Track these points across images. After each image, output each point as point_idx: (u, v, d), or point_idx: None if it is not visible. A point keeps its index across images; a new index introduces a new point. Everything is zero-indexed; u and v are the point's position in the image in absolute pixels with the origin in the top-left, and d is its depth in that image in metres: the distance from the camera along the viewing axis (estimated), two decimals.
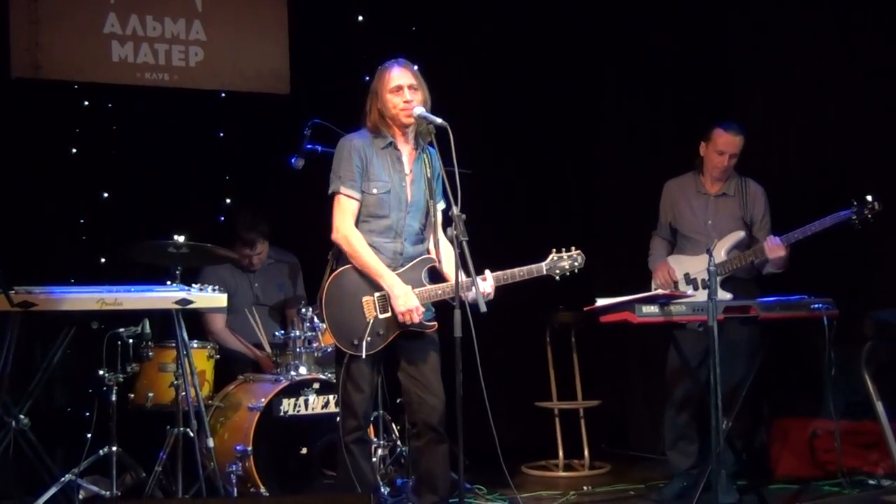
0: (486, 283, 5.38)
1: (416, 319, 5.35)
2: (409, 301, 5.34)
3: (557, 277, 5.51)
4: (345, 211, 5.44)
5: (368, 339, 5.34)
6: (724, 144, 6.61)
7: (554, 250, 5.51)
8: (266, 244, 7.29)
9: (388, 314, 5.39)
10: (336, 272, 5.44)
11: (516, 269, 5.45)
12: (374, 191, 5.44)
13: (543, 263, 5.49)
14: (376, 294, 5.40)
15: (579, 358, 8.10)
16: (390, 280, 5.37)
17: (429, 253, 5.58)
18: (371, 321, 5.37)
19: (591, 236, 8.45)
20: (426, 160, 5.50)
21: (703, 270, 6.34)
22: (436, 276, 5.54)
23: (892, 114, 7.01)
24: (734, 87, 7.92)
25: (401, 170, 5.50)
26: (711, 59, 8.03)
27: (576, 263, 5.52)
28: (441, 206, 5.58)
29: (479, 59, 8.44)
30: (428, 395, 5.41)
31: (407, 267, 5.48)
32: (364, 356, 5.32)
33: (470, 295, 5.15)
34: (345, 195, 5.44)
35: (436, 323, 5.47)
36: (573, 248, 5.53)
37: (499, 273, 5.44)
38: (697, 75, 8.03)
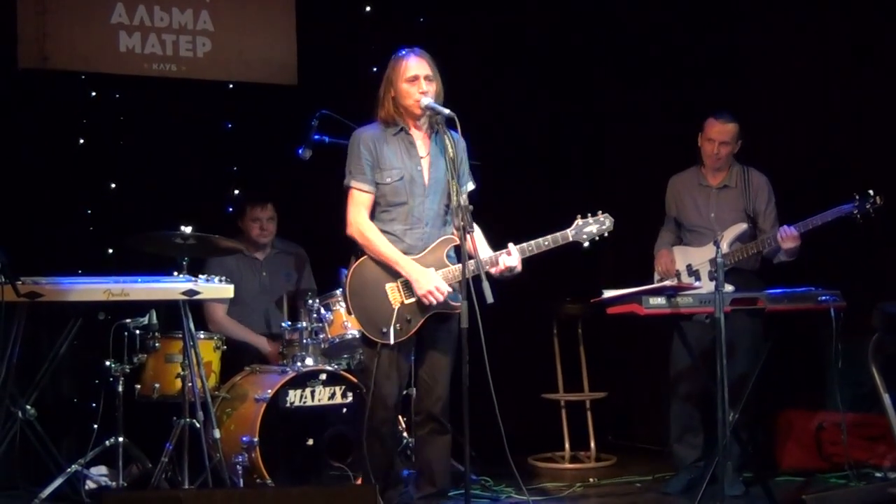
0: (512, 258, 5.34)
1: (441, 298, 5.33)
2: (429, 281, 5.32)
3: (586, 244, 5.44)
4: (357, 204, 5.45)
5: (397, 325, 5.34)
6: (714, 133, 6.62)
7: (579, 216, 5.44)
8: (275, 216, 7.28)
9: (414, 299, 5.38)
10: (357, 263, 5.45)
11: (541, 239, 5.39)
12: (388, 179, 5.43)
13: (569, 230, 5.43)
14: (400, 280, 5.39)
15: (586, 350, 8.10)
16: (407, 266, 5.37)
17: (454, 234, 5.50)
18: (397, 308, 5.36)
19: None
20: (448, 141, 5.35)
21: (706, 262, 6.35)
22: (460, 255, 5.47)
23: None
24: (741, 77, 7.90)
25: (415, 154, 5.49)
26: (719, 49, 8.00)
27: (604, 227, 5.45)
28: (471, 186, 5.56)
29: (486, 49, 8.43)
30: (435, 385, 5.42)
31: (427, 251, 5.46)
32: (393, 343, 5.31)
33: (502, 259, 5.22)
34: (356, 189, 5.45)
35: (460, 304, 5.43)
36: (599, 211, 5.46)
37: (523, 245, 5.39)
38: (705, 66, 8.01)
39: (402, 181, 5.44)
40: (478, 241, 5.18)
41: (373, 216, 5.47)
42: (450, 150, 5.35)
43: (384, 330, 5.32)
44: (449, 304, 5.39)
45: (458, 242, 5.39)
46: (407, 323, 5.36)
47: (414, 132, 5.51)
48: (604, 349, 8.36)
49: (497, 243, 5.50)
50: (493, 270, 5.30)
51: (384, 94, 5.49)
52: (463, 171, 5.50)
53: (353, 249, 5.52)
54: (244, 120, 7.87)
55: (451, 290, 5.37)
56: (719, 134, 6.62)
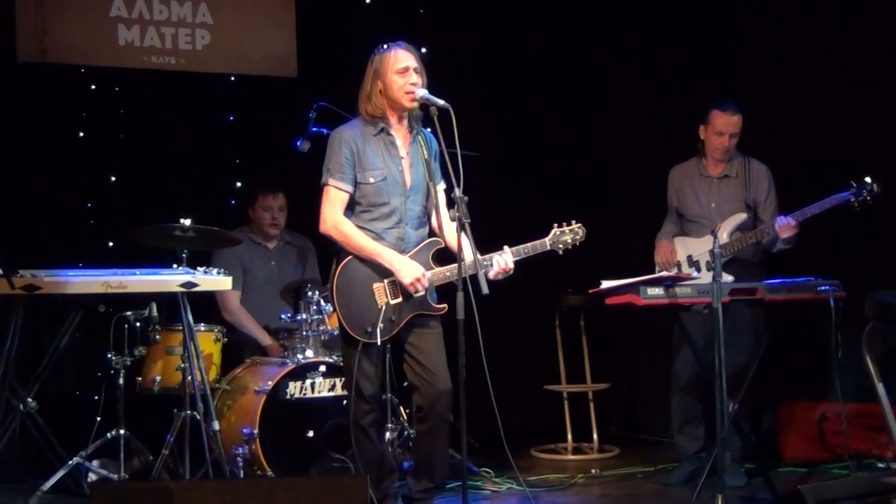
0: (505, 259, 5.38)
1: (425, 285, 5.36)
2: (413, 270, 5.36)
3: (561, 252, 5.53)
4: (332, 202, 5.45)
5: (382, 325, 5.35)
6: (722, 125, 6.59)
7: (555, 225, 5.52)
8: (286, 205, 7.28)
9: (400, 299, 5.41)
10: (342, 263, 5.45)
11: (520, 246, 5.46)
12: (371, 179, 5.43)
13: (547, 239, 5.50)
14: (386, 280, 5.41)
15: (588, 341, 8.11)
16: (389, 256, 5.39)
17: (432, 235, 5.58)
18: (383, 307, 5.38)
19: (600, 219, 8.44)
20: (422, 142, 5.49)
21: (706, 252, 6.33)
22: (443, 259, 5.53)
23: (894, 95, 6.98)
24: (738, 67, 7.90)
25: (396, 154, 5.49)
26: (716, 39, 8.00)
27: (577, 237, 5.54)
28: (441, 186, 5.58)
29: (485, 40, 8.42)
30: (435, 380, 5.41)
31: (412, 252, 5.49)
32: (379, 342, 5.35)
33: (496, 256, 5.28)
34: (333, 187, 5.44)
35: (445, 305, 5.47)
36: (573, 221, 5.54)
37: (505, 248, 5.44)
38: (702, 56, 8.01)
39: (385, 181, 5.45)
40: (465, 240, 5.18)
41: (353, 215, 5.48)
42: (424, 152, 5.46)
43: (369, 329, 5.34)
44: (430, 304, 5.46)
45: (442, 246, 5.51)
46: (391, 322, 5.40)
47: (395, 131, 5.51)
48: (606, 340, 8.38)
49: (497, 236, 5.50)
50: (490, 274, 5.32)
51: (370, 88, 5.46)
52: (435, 170, 5.53)
53: (333, 249, 5.52)
54: (244, 112, 7.87)
55: (430, 278, 5.40)
56: (727, 126, 6.59)
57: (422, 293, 5.39)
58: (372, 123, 5.49)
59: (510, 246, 5.43)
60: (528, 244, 5.48)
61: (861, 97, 7.16)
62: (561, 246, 5.52)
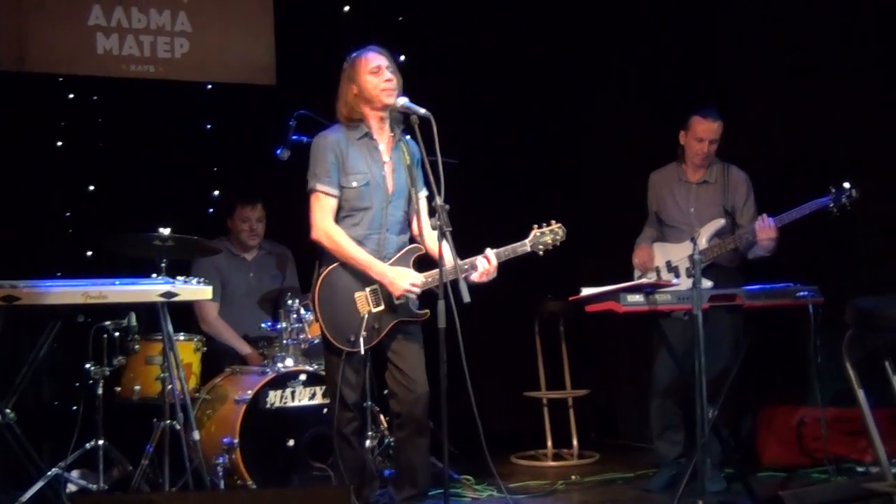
0: (488, 263, 5.40)
1: (418, 291, 5.40)
2: (404, 279, 5.39)
3: (541, 253, 5.54)
4: (323, 208, 5.45)
5: (365, 333, 5.36)
6: (703, 131, 6.62)
7: (535, 226, 5.54)
8: (264, 216, 7.27)
9: (382, 307, 5.42)
10: (324, 272, 5.45)
11: (501, 249, 5.47)
12: (354, 184, 5.44)
13: (527, 240, 5.52)
14: (368, 289, 5.43)
15: (568, 347, 8.11)
16: (378, 268, 5.40)
17: (413, 242, 5.59)
18: (366, 316, 5.39)
19: (580, 225, 8.43)
20: (405, 148, 5.50)
21: (685, 258, 6.36)
22: (423, 265, 5.54)
23: (875, 101, 7.02)
24: (718, 73, 7.93)
25: (379, 159, 5.51)
26: (697, 44, 8.04)
27: (557, 237, 5.56)
28: (423, 193, 5.59)
29: (464, 48, 8.43)
30: (413, 386, 5.42)
31: (394, 259, 5.50)
32: (363, 351, 5.35)
33: (476, 264, 5.32)
34: (322, 192, 5.44)
35: (427, 311, 5.47)
36: (553, 222, 5.56)
37: (487, 251, 5.46)
38: (683, 61, 8.04)
39: (368, 186, 5.46)
40: (445, 248, 5.19)
41: (335, 220, 5.48)
42: (406, 158, 5.47)
43: (352, 338, 5.35)
44: (413, 311, 5.48)
45: (423, 252, 5.54)
46: (374, 330, 5.41)
47: (378, 136, 5.53)
48: (586, 346, 8.37)
49: (479, 243, 5.50)
50: (474, 277, 5.33)
51: (345, 93, 5.50)
52: (417, 176, 5.56)
53: (318, 256, 5.52)
54: (224, 120, 7.86)
55: (425, 281, 5.41)
56: (707, 132, 6.62)
57: (413, 298, 5.42)
58: (354, 128, 5.50)
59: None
60: (509, 246, 5.50)
61: (840, 103, 7.19)
62: (541, 247, 5.53)
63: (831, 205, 6.26)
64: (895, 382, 5.09)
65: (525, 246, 5.52)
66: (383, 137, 5.55)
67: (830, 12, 7.28)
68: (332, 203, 5.44)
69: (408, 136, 5.53)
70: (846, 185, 6.25)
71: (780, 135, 7.52)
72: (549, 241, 5.54)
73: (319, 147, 5.49)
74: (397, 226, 5.56)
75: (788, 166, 7.32)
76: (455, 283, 5.13)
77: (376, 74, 5.43)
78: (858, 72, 7.12)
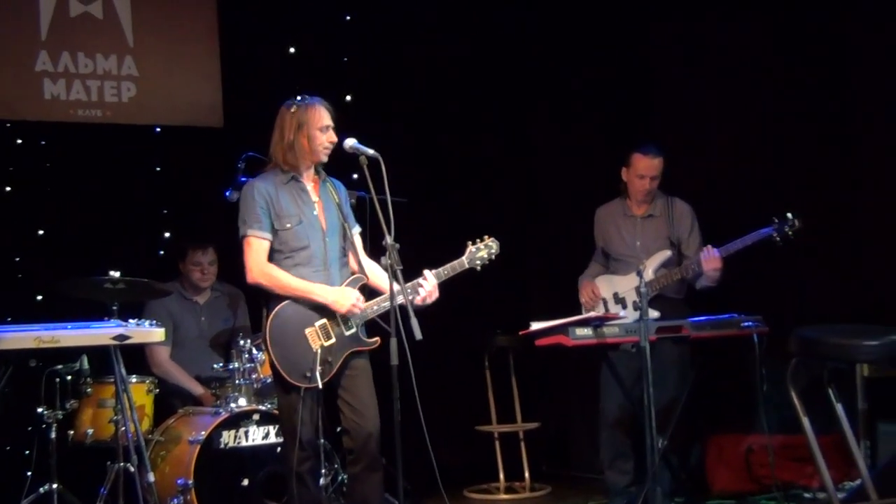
0: (429, 283, 5.49)
1: (362, 307, 5.45)
2: (346, 298, 5.46)
3: (479, 268, 5.61)
4: (256, 251, 5.51)
5: (320, 367, 5.39)
6: (643, 168, 6.73)
7: (469, 242, 5.64)
8: (216, 259, 7.29)
9: (333, 340, 5.46)
10: (272, 313, 5.48)
11: (440, 269, 5.56)
12: (288, 225, 5.50)
13: (464, 257, 5.61)
14: (317, 324, 5.46)
15: (518, 381, 8.15)
16: (320, 291, 5.46)
17: (354, 273, 5.65)
18: (318, 350, 5.43)
19: (528, 260, 8.56)
20: (331, 187, 5.63)
21: (632, 290, 6.42)
22: (368, 293, 5.60)
23: (815, 133, 7.16)
24: (657, 108, 8.07)
25: (308, 200, 5.58)
26: (636, 80, 8.19)
27: (492, 251, 5.64)
28: (357, 230, 5.72)
29: (409, 86, 8.50)
30: (364, 421, 5.45)
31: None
32: (321, 385, 5.38)
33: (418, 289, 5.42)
34: (254, 237, 5.50)
35: (377, 338, 5.53)
36: (486, 236, 5.66)
37: (425, 272, 5.55)
38: (623, 97, 8.18)
39: (301, 225, 5.52)
40: (395, 287, 5.24)
41: (277, 265, 5.52)
42: (334, 196, 5.60)
43: (308, 374, 5.38)
44: (363, 340, 5.53)
45: (365, 281, 5.61)
46: (328, 364, 5.44)
47: (304, 180, 5.60)
48: (536, 380, 8.41)
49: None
50: (417, 300, 5.40)
51: (293, 138, 5.52)
52: (348, 214, 5.68)
53: (263, 300, 5.56)
54: (173, 163, 7.88)
55: (369, 304, 5.50)
56: (648, 169, 6.72)
57: (354, 329, 5.47)
58: (283, 173, 5.57)
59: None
60: (447, 265, 5.58)
61: (779, 135, 7.34)
62: (478, 262, 5.61)
63: (775, 235, 6.37)
64: (838, 410, 5.17)
65: (462, 263, 5.59)
66: (309, 179, 5.63)
67: (767, 46, 7.42)
68: (265, 245, 5.50)
69: (332, 178, 5.64)
70: (789, 215, 6.37)
71: (723, 167, 7.63)
72: (485, 256, 5.62)
73: (248, 195, 5.55)
74: (338, 261, 5.61)
75: (732, 197, 7.44)
76: (406, 320, 5.17)
77: (324, 132, 5.53)
78: (800, 103, 7.26)
